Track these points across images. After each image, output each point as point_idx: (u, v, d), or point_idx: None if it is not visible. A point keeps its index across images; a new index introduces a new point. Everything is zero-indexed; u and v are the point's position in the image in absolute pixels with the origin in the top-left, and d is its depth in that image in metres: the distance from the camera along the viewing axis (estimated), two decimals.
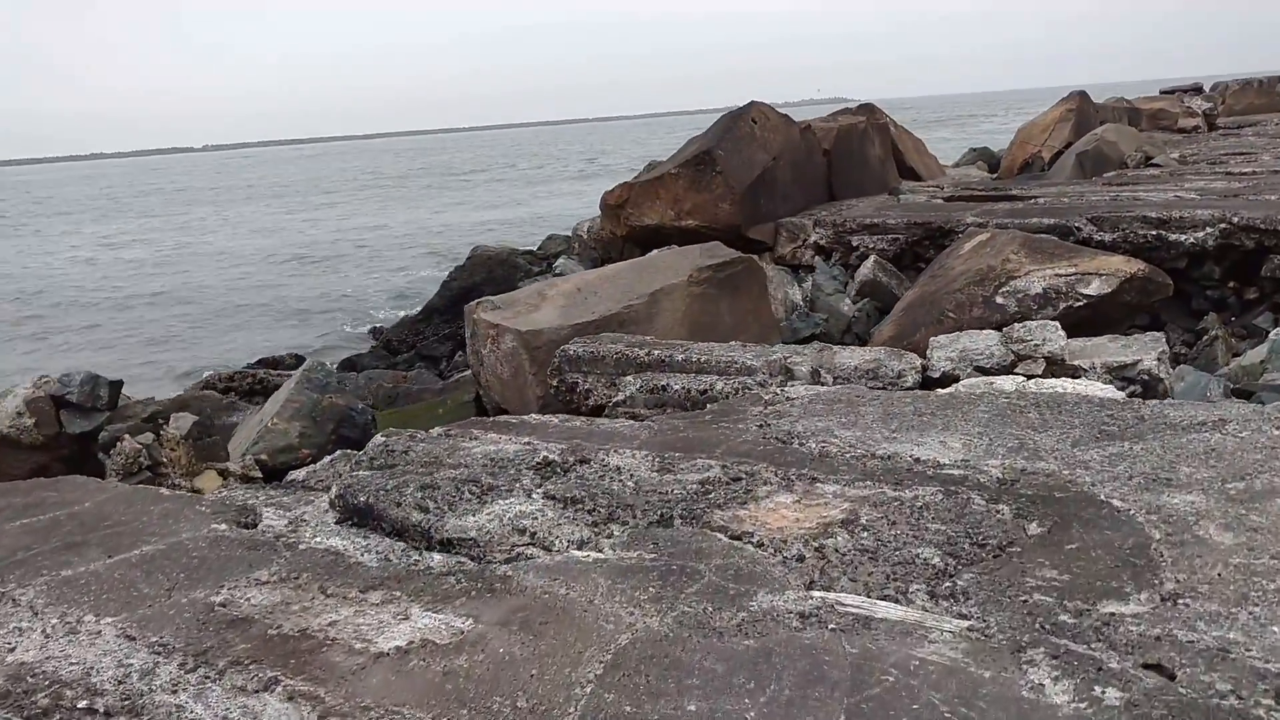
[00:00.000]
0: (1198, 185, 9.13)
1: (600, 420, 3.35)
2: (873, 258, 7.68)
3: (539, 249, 10.15)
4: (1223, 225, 6.99)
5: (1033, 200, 8.80)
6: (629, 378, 4.04)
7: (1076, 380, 3.68)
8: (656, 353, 4.24)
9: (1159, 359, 4.27)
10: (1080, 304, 5.76)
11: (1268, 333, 6.33)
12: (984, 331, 4.44)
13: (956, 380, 4.36)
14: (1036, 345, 4.28)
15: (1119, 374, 4.28)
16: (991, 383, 3.74)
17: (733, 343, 4.48)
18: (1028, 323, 4.38)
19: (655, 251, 6.28)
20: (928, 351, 4.47)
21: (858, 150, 9.83)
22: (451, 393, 5.96)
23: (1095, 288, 5.79)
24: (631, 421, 3.24)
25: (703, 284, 5.44)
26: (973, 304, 5.85)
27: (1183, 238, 7.12)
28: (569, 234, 9.50)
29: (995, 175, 15.87)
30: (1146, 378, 4.24)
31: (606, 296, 5.32)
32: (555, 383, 4.45)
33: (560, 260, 8.84)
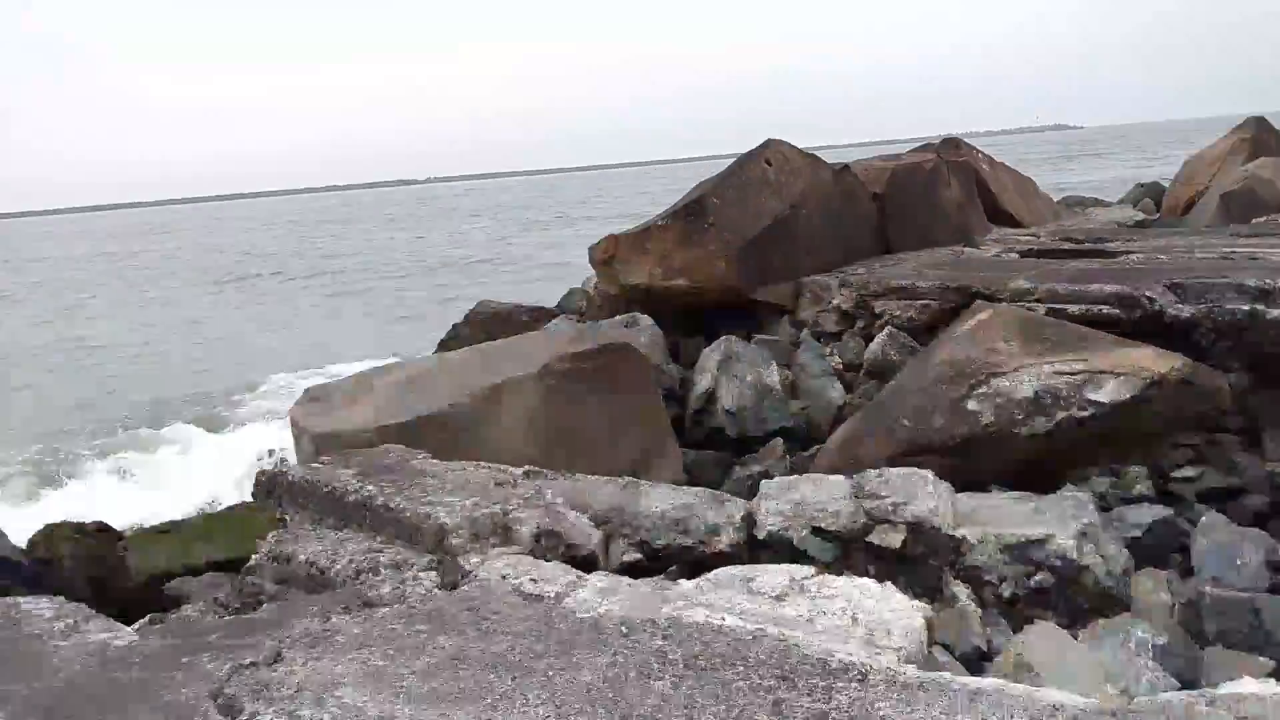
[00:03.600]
0: None
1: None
2: (887, 329, 6.25)
3: (557, 305, 9.10)
4: None
5: (1125, 256, 7.07)
6: (267, 540, 2.98)
7: (865, 583, 2.34)
8: (370, 489, 3.16)
9: (1082, 533, 2.83)
10: (1086, 414, 4.24)
11: None
12: (832, 478, 3.11)
13: (789, 545, 3.06)
14: (896, 505, 2.92)
15: (1020, 555, 2.86)
16: (751, 579, 2.45)
17: (477, 470, 3.33)
18: (888, 471, 3.02)
19: (518, 336, 5.16)
20: (757, 499, 3.18)
21: (924, 194, 8.30)
22: None
23: (1109, 392, 4.26)
24: (146, 641, 2.18)
25: (562, 377, 4.29)
26: (936, 409, 4.41)
27: None
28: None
29: (1157, 216, 13.74)
30: (1059, 563, 2.80)
31: (438, 390, 4.27)
32: (277, 516, 3.45)
33: (555, 321, 7.78)
